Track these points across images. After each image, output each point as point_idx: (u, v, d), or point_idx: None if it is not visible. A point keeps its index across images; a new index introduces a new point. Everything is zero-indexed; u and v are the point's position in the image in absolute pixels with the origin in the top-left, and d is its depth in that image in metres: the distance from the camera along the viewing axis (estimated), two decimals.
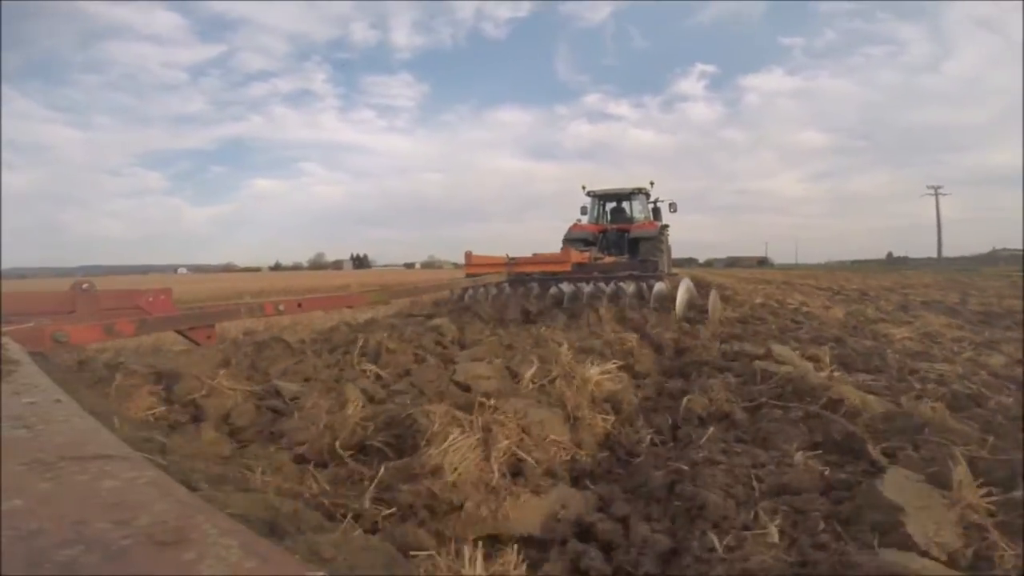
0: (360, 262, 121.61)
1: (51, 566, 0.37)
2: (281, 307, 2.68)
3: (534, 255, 5.90)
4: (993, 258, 45.66)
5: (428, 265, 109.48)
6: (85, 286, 2.16)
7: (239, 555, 0.39)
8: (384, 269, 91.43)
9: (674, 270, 9.39)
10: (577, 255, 5.89)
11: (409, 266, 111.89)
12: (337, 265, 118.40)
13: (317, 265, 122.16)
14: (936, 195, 46.38)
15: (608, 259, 7.02)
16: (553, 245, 8.65)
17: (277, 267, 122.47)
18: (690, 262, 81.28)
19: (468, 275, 5.56)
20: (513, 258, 5.65)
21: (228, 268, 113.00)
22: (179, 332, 2.36)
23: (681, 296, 4.55)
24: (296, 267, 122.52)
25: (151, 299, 2.33)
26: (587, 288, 5.16)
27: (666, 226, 9.19)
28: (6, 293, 2.00)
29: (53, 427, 0.66)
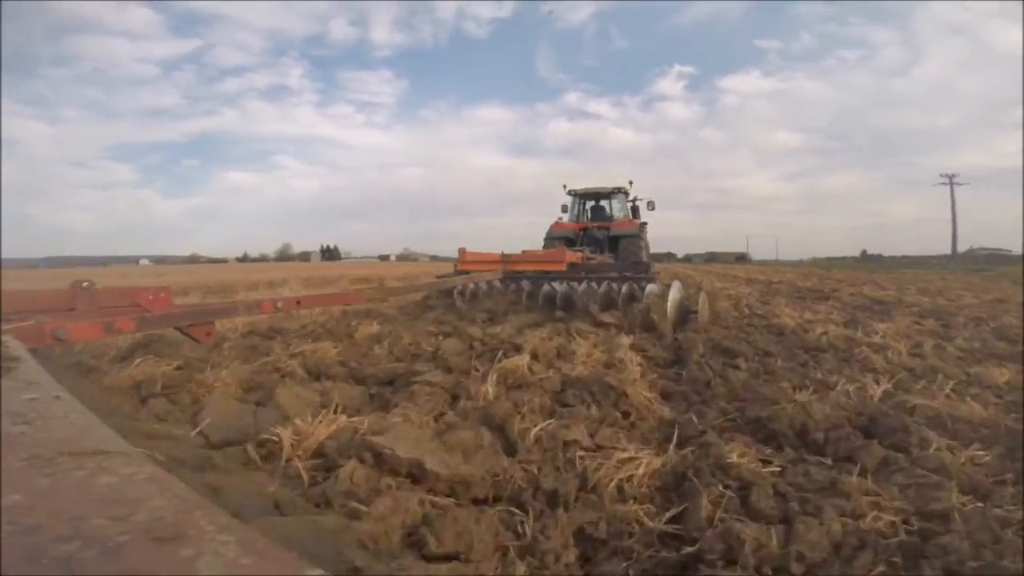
0: (330, 254, 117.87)
1: (49, 561, 0.37)
2: (279, 305, 2.68)
3: (524, 252, 5.90)
4: (973, 256, 42.87)
5: (403, 257, 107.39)
6: (85, 284, 2.16)
7: (237, 552, 0.40)
8: (356, 261, 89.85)
9: (658, 267, 9.55)
10: (571, 255, 5.90)
11: (384, 258, 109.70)
12: (304, 257, 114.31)
13: (284, 256, 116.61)
14: (951, 185, 41.25)
15: (599, 259, 7.04)
16: (535, 241, 8.83)
17: (244, 258, 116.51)
18: (668, 257, 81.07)
19: (459, 271, 5.57)
20: (508, 255, 5.65)
21: (193, 259, 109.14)
22: (179, 329, 2.36)
23: (672, 298, 4.56)
24: (262, 258, 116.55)
25: (151, 297, 2.33)
26: (580, 288, 5.17)
27: (645, 223, 9.28)
28: (6, 291, 2.00)
29: (52, 423, 0.66)
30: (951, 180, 41.41)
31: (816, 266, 42.04)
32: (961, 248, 44.18)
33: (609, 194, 9.82)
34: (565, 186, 9.90)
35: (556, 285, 5.27)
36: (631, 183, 9.85)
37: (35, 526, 0.41)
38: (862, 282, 12.98)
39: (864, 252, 78.89)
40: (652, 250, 9.87)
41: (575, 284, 5.22)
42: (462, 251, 5.58)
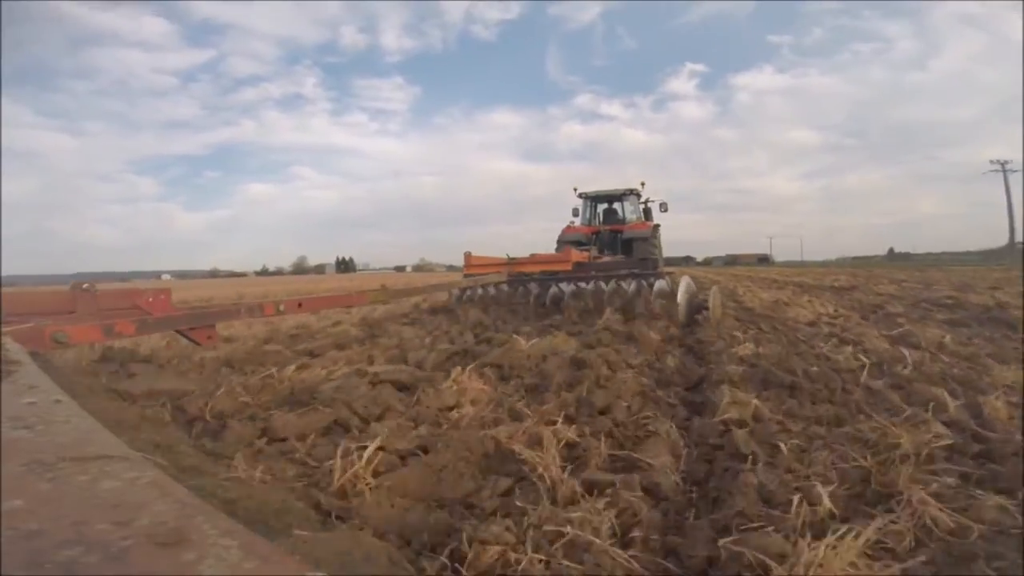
0: (345, 266, 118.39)
1: (51, 566, 0.37)
2: (282, 307, 2.68)
3: (532, 256, 5.90)
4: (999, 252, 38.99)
5: (419, 268, 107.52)
6: (85, 286, 2.16)
7: (239, 556, 0.39)
8: (373, 273, 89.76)
9: (670, 269, 9.41)
10: (577, 254, 5.89)
11: (400, 269, 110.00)
12: (319, 269, 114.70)
13: (300, 269, 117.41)
14: (1004, 172, 37.82)
15: (607, 258, 7.03)
16: (549, 247, 8.73)
17: (264, 272, 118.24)
18: (687, 260, 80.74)
19: (466, 275, 5.58)
20: (513, 258, 5.65)
21: (213, 273, 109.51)
22: (179, 332, 2.36)
23: (682, 294, 4.55)
24: (278, 272, 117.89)
25: (151, 299, 2.33)
26: (588, 287, 5.16)
27: (658, 226, 9.25)
28: (6, 293, 2.00)
29: (54, 427, 0.66)
30: (1004, 167, 38.60)
31: (849, 266, 38.14)
32: (999, 242, 41.31)
33: (621, 196, 9.75)
34: (576, 189, 9.89)
35: (564, 286, 5.26)
36: (643, 184, 9.80)
37: (37, 531, 0.41)
38: (954, 285, 8.77)
39: (891, 250, 77.86)
40: (669, 253, 9.79)
41: (582, 284, 5.21)
42: (467, 255, 5.60)
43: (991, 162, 39.89)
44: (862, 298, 7.02)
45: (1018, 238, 38.12)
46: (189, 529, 0.42)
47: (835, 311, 5.39)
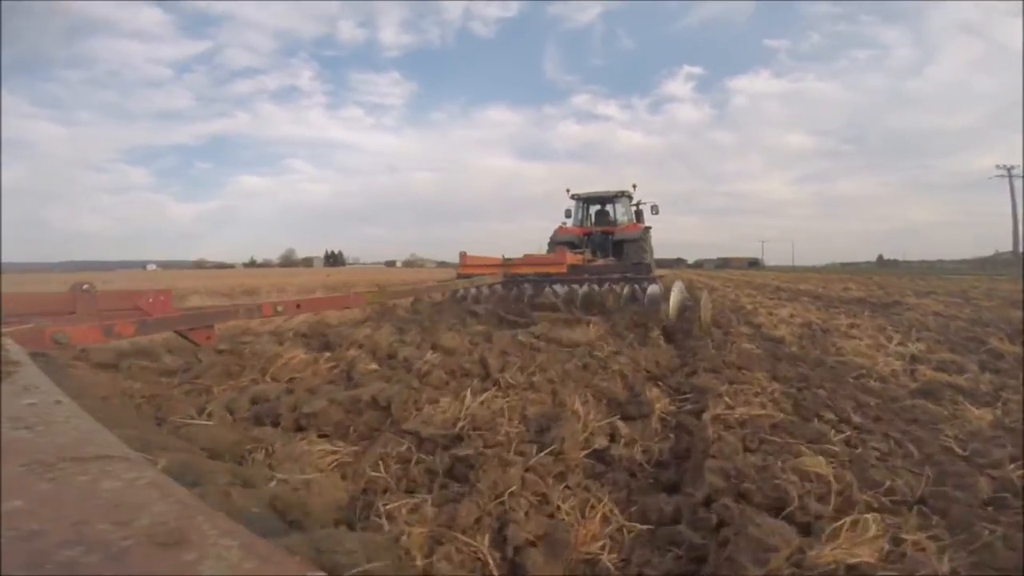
0: (334, 259, 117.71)
1: (51, 567, 0.37)
2: (280, 308, 2.68)
3: (526, 256, 5.92)
4: (996, 261, 38.83)
5: (409, 263, 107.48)
6: (85, 287, 2.16)
7: (239, 556, 0.40)
8: (363, 267, 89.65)
9: (660, 271, 9.40)
10: (572, 257, 5.91)
11: (390, 264, 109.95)
12: (308, 262, 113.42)
13: (288, 262, 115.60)
14: (1010, 177, 37.30)
15: (601, 262, 7.05)
16: (543, 246, 8.80)
17: (251, 264, 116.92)
18: (678, 263, 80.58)
19: (460, 276, 5.60)
20: (509, 259, 5.67)
21: (199, 264, 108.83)
22: (178, 333, 2.36)
23: (674, 298, 4.54)
24: (266, 264, 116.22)
25: (151, 300, 2.33)
26: (581, 290, 5.17)
27: (648, 228, 9.31)
28: (6, 294, 2.00)
29: (54, 428, 0.66)
30: (1010, 173, 38.06)
31: (841, 272, 37.11)
32: (990, 251, 41.11)
33: (613, 198, 9.83)
34: (568, 190, 9.95)
35: (558, 288, 5.27)
36: (635, 186, 9.88)
37: (37, 531, 0.41)
38: (1003, 301, 6.96)
39: (880, 257, 77.88)
40: (661, 255, 9.81)
41: (575, 287, 5.22)
42: (463, 255, 5.63)
43: (997, 167, 39.30)
44: (918, 319, 4.98)
45: (1020, 247, 37.45)
46: (189, 529, 0.42)
47: (914, 346, 3.32)
